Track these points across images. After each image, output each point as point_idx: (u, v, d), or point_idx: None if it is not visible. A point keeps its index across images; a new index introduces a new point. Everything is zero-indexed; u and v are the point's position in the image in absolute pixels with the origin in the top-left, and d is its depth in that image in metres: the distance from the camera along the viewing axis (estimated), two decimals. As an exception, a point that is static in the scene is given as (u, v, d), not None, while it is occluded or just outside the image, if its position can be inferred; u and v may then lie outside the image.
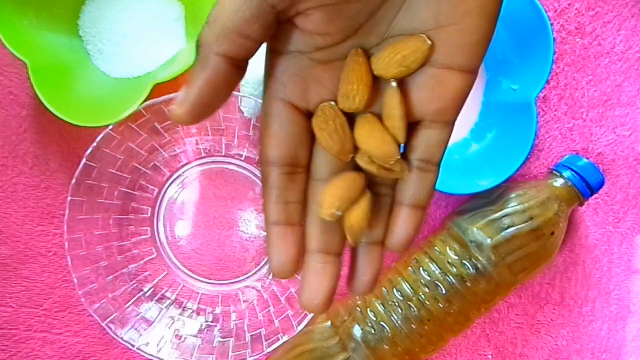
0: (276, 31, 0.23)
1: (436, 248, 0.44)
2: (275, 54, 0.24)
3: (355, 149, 0.25)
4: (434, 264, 0.43)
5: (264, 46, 0.24)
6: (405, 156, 0.26)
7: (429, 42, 0.23)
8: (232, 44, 0.22)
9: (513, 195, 0.44)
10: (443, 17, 0.23)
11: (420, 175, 0.25)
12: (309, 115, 0.25)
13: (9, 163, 0.47)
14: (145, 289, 0.47)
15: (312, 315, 0.43)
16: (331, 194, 0.24)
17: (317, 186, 0.26)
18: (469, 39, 0.23)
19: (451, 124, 0.25)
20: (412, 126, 0.25)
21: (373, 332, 0.42)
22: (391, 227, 0.26)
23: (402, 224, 0.26)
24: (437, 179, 0.26)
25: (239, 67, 0.23)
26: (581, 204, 0.46)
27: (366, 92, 0.24)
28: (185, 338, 0.45)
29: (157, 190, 0.48)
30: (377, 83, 0.25)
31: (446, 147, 0.25)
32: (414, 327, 0.42)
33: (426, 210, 0.26)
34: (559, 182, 0.45)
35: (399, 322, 0.42)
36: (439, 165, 0.26)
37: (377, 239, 0.26)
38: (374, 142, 0.24)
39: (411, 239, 0.26)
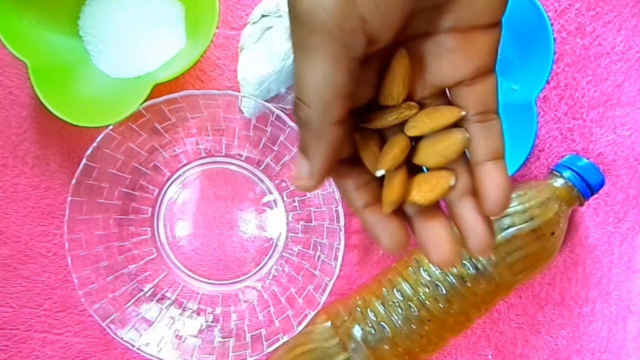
0: None
1: (436, 248, 0.44)
2: None
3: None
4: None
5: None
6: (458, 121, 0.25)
7: (467, 135, 0.24)
8: (341, 108, 0.22)
9: (513, 195, 0.44)
10: None
11: (483, 128, 0.25)
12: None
13: (9, 163, 0.47)
14: (145, 289, 0.47)
15: (312, 315, 0.43)
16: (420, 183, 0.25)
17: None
18: (490, 2, 0.23)
19: (492, 71, 0.25)
20: (454, 89, 0.25)
21: (373, 332, 0.42)
22: (481, 190, 0.25)
23: (490, 178, 0.24)
24: (502, 128, 0.25)
25: (348, 119, 0.23)
26: (581, 204, 0.46)
27: (406, 92, 0.25)
28: (185, 338, 0.45)
29: (157, 190, 0.48)
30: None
31: (497, 92, 0.25)
32: (414, 327, 0.42)
33: (504, 159, 0.25)
34: (559, 182, 0.45)
35: (399, 322, 0.42)
36: (497, 113, 0.25)
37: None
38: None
39: (506, 192, 0.24)
